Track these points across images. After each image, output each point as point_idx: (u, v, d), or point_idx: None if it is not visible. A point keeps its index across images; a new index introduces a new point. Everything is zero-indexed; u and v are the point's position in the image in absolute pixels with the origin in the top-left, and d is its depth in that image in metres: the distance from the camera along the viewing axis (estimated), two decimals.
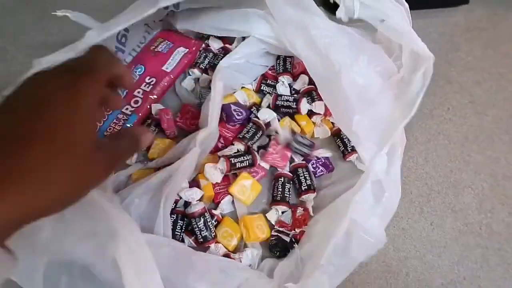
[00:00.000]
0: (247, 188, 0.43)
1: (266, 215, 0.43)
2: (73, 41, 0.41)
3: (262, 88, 0.51)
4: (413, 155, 0.48)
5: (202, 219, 0.40)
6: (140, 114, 0.48)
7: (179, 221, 0.41)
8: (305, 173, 0.44)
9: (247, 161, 0.43)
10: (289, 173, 0.45)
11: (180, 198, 0.42)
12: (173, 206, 0.42)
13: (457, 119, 0.50)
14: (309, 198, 0.43)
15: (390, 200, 0.40)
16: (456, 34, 0.57)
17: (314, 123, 0.48)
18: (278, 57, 0.52)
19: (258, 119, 0.46)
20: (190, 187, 0.42)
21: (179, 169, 0.39)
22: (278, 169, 0.45)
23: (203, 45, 0.53)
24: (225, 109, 0.46)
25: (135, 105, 0.48)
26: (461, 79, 0.53)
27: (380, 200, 0.39)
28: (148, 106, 0.48)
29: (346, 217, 0.35)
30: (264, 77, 0.52)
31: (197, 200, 0.41)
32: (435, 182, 0.46)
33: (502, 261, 0.42)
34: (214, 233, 0.41)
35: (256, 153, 0.45)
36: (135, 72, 0.50)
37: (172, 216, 0.41)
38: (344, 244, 0.36)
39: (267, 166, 0.45)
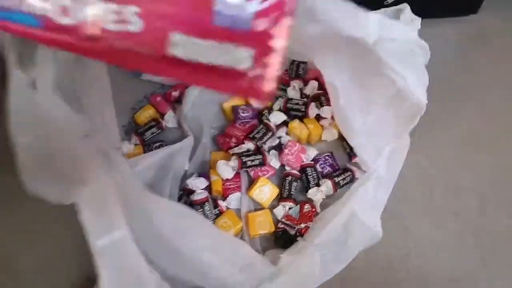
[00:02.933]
0: (266, 192, 0.46)
1: (274, 210, 0.46)
2: None
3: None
4: (417, 158, 0.49)
5: (202, 208, 0.43)
6: None
7: (183, 196, 0.46)
8: (313, 172, 0.47)
9: (257, 160, 0.46)
10: (297, 173, 0.47)
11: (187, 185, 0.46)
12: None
13: (460, 124, 0.52)
14: (316, 197, 0.46)
15: (383, 195, 0.43)
16: (464, 42, 0.59)
17: (322, 126, 0.50)
18: (292, 62, 0.55)
19: (269, 121, 0.49)
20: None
21: (181, 149, 0.44)
22: (287, 169, 0.48)
23: None
24: (234, 109, 0.49)
25: None
26: (469, 85, 0.55)
27: (379, 196, 0.42)
28: None
29: (347, 207, 0.37)
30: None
31: (201, 189, 0.44)
32: (437, 184, 0.48)
33: (501, 262, 0.44)
34: (212, 222, 0.44)
35: (266, 153, 0.47)
36: None
37: (180, 191, 0.45)
38: (342, 232, 0.38)
39: (276, 165, 0.48)
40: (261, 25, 0.18)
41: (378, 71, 0.37)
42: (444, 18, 0.60)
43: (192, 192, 0.45)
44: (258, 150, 0.47)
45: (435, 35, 0.58)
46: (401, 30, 0.37)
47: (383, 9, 0.42)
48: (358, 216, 0.39)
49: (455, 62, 0.57)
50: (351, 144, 0.43)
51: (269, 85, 0.20)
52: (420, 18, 0.42)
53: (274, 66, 0.19)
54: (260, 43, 0.19)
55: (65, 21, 0.19)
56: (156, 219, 0.36)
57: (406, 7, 0.41)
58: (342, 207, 0.38)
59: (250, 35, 0.19)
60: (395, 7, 0.42)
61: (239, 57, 0.19)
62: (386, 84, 0.38)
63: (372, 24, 0.34)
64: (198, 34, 0.19)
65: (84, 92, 0.37)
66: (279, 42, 0.19)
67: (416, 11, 0.58)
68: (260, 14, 0.18)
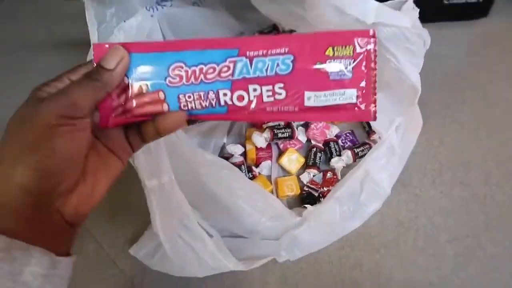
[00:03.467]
0: (293, 160, 0.54)
1: (300, 176, 0.53)
2: None
3: None
4: (429, 137, 0.56)
5: (239, 170, 0.51)
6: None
7: None
8: (335, 145, 0.54)
9: (287, 133, 0.54)
10: (321, 146, 0.55)
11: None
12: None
13: (469, 110, 0.58)
14: (337, 164, 0.53)
15: (396, 164, 0.49)
16: (475, 41, 0.65)
17: None
18: None
19: None
20: None
21: (220, 123, 0.53)
22: (312, 142, 0.55)
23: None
24: None
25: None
26: (476, 78, 0.61)
27: (391, 163, 0.48)
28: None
29: (362, 167, 0.44)
30: None
31: (238, 155, 0.52)
32: (447, 160, 0.54)
33: (503, 226, 0.49)
34: None
35: (295, 128, 0.55)
36: None
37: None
38: (357, 189, 0.45)
39: (303, 140, 0.56)
40: (357, 73, 0.30)
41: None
42: (458, 21, 0.67)
43: (230, 158, 0.53)
44: (288, 125, 0.55)
45: (451, 36, 0.66)
46: (398, 18, 0.42)
47: (389, 1, 0.49)
48: (370, 175, 0.45)
49: (467, 58, 0.64)
50: None
51: (373, 107, 0.31)
52: (418, 10, 0.47)
53: (372, 95, 0.31)
54: (359, 83, 0.30)
55: (240, 104, 0.31)
56: (201, 169, 0.44)
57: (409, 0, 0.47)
58: (358, 168, 0.45)
59: (352, 80, 0.30)
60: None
61: (349, 95, 0.30)
62: (383, 65, 0.44)
63: (371, 8, 0.40)
64: (321, 89, 0.30)
65: None
66: (370, 79, 0.31)
67: (434, 15, 0.65)
68: (355, 68, 0.30)
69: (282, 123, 0.55)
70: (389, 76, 0.47)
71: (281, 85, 0.31)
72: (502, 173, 0.52)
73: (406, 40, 0.44)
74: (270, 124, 0.55)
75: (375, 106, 0.31)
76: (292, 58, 0.30)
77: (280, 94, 0.31)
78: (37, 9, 0.72)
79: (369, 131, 0.56)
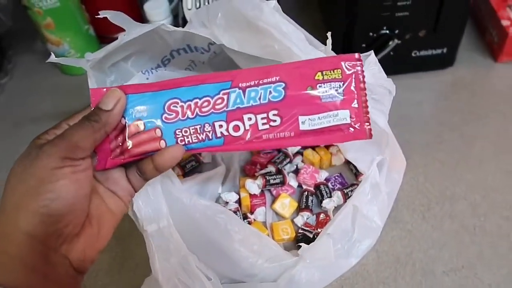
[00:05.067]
0: (286, 204, 0.56)
1: (294, 219, 0.54)
2: None
3: None
4: (414, 175, 0.58)
5: None
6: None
7: None
8: (325, 188, 0.56)
9: (278, 179, 0.56)
10: (312, 189, 0.57)
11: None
12: None
13: (448, 149, 0.61)
14: (329, 205, 0.54)
15: (387, 201, 0.51)
16: (445, 88, 0.71)
17: (331, 153, 0.60)
18: None
19: (287, 149, 0.60)
20: None
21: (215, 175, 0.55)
22: (304, 187, 0.57)
23: None
24: None
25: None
26: (451, 120, 0.65)
27: (378, 198, 0.50)
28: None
29: (349, 203, 0.46)
30: None
31: (233, 202, 0.54)
32: (434, 196, 0.56)
33: (495, 253, 0.50)
34: None
35: (286, 174, 0.57)
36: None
37: None
38: (349, 226, 0.46)
39: (295, 185, 0.58)
40: (347, 94, 0.32)
41: None
42: (428, 71, 0.73)
43: (225, 206, 0.55)
44: (279, 172, 0.57)
45: (423, 84, 0.71)
46: None
47: None
48: (359, 210, 0.47)
49: (440, 103, 0.69)
50: (348, 158, 0.52)
51: (368, 126, 0.32)
52: (378, 64, 0.49)
53: (365, 114, 0.32)
54: (350, 103, 0.32)
55: (236, 134, 0.32)
56: (197, 214, 0.46)
57: (371, 54, 0.49)
58: (346, 204, 0.47)
59: (344, 102, 0.32)
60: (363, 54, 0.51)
61: (343, 116, 0.32)
62: None
63: None
64: (315, 112, 0.32)
65: None
66: (361, 99, 0.32)
67: (405, 67, 0.72)
68: (345, 90, 0.32)
69: (273, 171, 0.58)
70: None
71: (275, 112, 0.32)
72: (488, 204, 0.54)
73: (370, 92, 0.47)
74: (261, 172, 0.57)
75: (369, 124, 0.33)
76: (283, 85, 0.32)
77: (275, 121, 0.32)
78: (42, 84, 0.77)
79: (357, 173, 0.58)
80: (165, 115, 0.32)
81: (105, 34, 0.82)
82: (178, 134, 0.32)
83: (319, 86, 0.32)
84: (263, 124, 0.32)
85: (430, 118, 0.66)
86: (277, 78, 0.32)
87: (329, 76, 0.32)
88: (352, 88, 0.32)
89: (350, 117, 0.32)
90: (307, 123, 0.32)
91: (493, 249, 0.50)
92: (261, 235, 0.48)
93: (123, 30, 0.82)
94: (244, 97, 0.32)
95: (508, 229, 0.52)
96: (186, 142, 0.33)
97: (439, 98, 0.70)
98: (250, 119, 0.32)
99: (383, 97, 0.51)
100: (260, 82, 0.32)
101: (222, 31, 0.46)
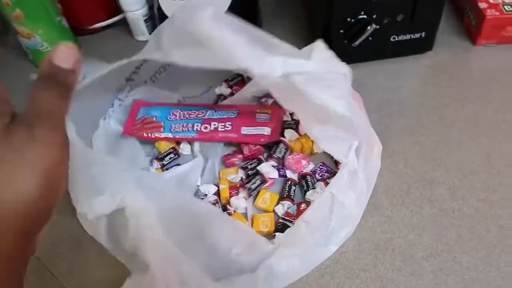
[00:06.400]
0: (267, 198, 0.55)
1: (275, 208, 0.54)
2: None
3: None
4: (394, 161, 0.58)
5: None
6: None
7: None
8: (312, 179, 0.56)
9: (259, 180, 0.55)
10: (296, 179, 0.56)
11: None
12: None
13: (428, 132, 0.61)
14: (312, 196, 0.54)
15: (365, 187, 0.51)
16: (424, 72, 0.71)
17: (312, 141, 0.60)
18: None
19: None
20: None
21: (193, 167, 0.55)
22: (288, 175, 0.57)
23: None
24: None
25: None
26: (430, 103, 0.65)
27: (356, 186, 0.50)
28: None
29: (326, 191, 0.46)
30: None
31: (211, 194, 0.53)
32: (413, 180, 0.56)
33: (474, 236, 0.50)
34: None
35: (264, 175, 0.57)
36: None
37: None
38: (327, 214, 0.46)
39: (275, 176, 0.57)
40: (272, 120, 0.60)
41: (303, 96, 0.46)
42: (408, 56, 0.72)
43: (204, 199, 0.54)
44: (257, 172, 0.57)
45: (402, 69, 0.71)
46: (305, 65, 0.45)
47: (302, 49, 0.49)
48: (336, 198, 0.47)
49: (419, 87, 0.69)
50: (324, 149, 0.52)
51: (277, 137, 0.59)
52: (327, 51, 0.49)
53: (278, 130, 0.60)
54: (272, 124, 0.59)
55: (205, 130, 0.59)
56: (176, 206, 0.45)
57: (316, 45, 0.48)
58: (323, 192, 0.47)
59: (269, 123, 0.59)
60: (307, 46, 0.49)
61: (267, 131, 0.58)
62: (313, 104, 0.46)
63: (275, 63, 0.44)
64: (252, 126, 0.59)
65: None
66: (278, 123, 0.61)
67: (384, 53, 0.71)
68: (270, 118, 0.60)
69: (253, 165, 0.57)
70: (325, 111, 0.50)
71: (230, 123, 0.59)
72: (466, 187, 0.55)
73: (321, 79, 0.46)
74: (241, 164, 0.57)
75: (281, 136, 0.60)
76: (238, 111, 0.60)
77: (228, 127, 0.59)
78: (14, 78, 0.75)
79: (336, 161, 0.58)
80: (170, 116, 0.61)
81: (79, 25, 0.80)
82: (172, 126, 0.60)
83: (258, 114, 0.60)
84: (221, 127, 0.59)
85: (409, 103, 0.66)
86: (236, 108, 0.61)
87: (264, 111, 0.61)
88: (275, 117, 0.60)
89: (271, 131, 0.59)
90: (246, 130, 0.59)
91: (471, 232, 0.51)
92: (238, 223, 0.48)
93: (97, 20, 0.81)
94: (215, 113, 0.60)
95: (485, 211, 0.52)
96: (175, 131, 0.60)
97: (418, 82, 0.70)
98: (215, 124, 0.59)
99: (336, 82, 0.49)
100: (226, 108, 0.61)
101: (172, 50, 0.47)
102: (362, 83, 0.68)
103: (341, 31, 0.67)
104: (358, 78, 0.69)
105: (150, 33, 0.80)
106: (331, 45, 0.69)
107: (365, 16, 0.65)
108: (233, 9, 0.69)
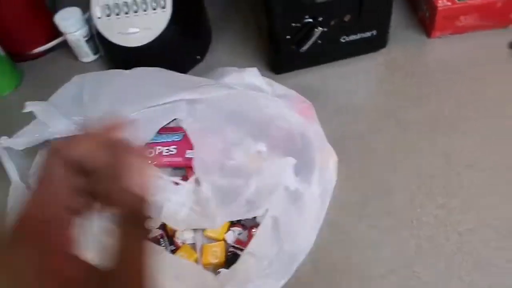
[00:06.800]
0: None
1: (225, 235, 0.51)
2: None
3: None
4: (350, 172, 0.55)
5: (159, 245, 0.48)
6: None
7: None
8: None
9: None
10: None
11: None
12: None
13: (384, 138, 0.58)
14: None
15: (318, 204, 0.49)
16: (379, 71, 0.68)
17: None
18: None
19: None
20: None
21: None
22: None
23: None
24: None
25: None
26: (386, 105, 0.62)
27: (304, 205, 0.47)
28: None
29: (266, 217, 0.43)
30: None
31: (156, 228, 0.50)
32: (371, 191, 0.53)
33: (434, 246, 0.48)
34: None
35: None
36: None
37: None
38: (271, 240, 0.43)
39: None
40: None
41: None
42: (361, 56, 0.69)
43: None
44: None
45: (356, 70, 0.68)
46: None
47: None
48: (281, 221, 0.44)
49: (375, 88, 0.66)
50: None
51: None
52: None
53: None
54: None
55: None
56: None
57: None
58: (264, 217, 0.44)
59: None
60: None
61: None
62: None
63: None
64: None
65: None
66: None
67: (335, 54, 0.68)
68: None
69: None
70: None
71: (175, 146, 0.57)
72: (424, 194, 0.52)
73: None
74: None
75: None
76: (183, 134, 0.57)
77: (172, 151, 0.57)
78: None
79: None
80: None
81: (19, 51, 0.76)
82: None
83: None
84: (166, 151, 0.57)
85: (365, 106, 0.63)
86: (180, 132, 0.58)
87: None
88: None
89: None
90: (190, 154, 0.55)
91: (431, 242, 0.48)
92: (186, 263, 0.45)
93: (37, 44, 0.76)
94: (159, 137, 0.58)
95: (444, 218, 0.50)
96: None
97: (373, 83, 0.67)
98: (159, 148, 0.57)
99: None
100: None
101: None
102: (315, 89, 0.65)
103: (288, 36, 0.64)
104: (310, 84, 0.67)
105: (94, 54, 0.76)
106: (280, 51, 0.67)
107: (310, 20, 0.62)
108: (180, 19, 0.66)
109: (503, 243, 0.47)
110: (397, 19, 0.70)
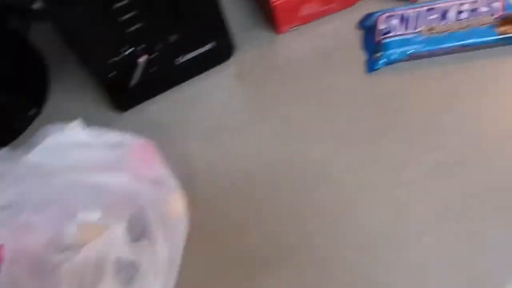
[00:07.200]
0: None
1: None
2: None
3: None
4: (204, 229, 0.48)
5: None
6: None
7: None
8: None
9: None
10: None
11: None
12: None
13: (237, 174, 0.53)
14: None
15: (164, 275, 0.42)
16: (229, 84, 0.61)
17: None
18: None
19: None
20: None
21: None
22: None
23: None
24: None
25: None
26: (237, 123, 0.57)
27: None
28: None
29: None
30: None
31: None
32: (228, 253, 0.47)
33: None
34: None
35: None
36: None
37: None
38: None
39: None
40: None
41: None
42: (210, 70, 0.62)
43: None
44: None
45: (204, 89, 0.61)
46: None
47: None
48: None
49: (225, 106, 0.59)
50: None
51: None
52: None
53: None
54: None
55: None
56: None
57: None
58: None
59: None
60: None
61: None
62: None
63: None
64: None
65: None
66: None
67: (178, 78, 0.61)
68: None
69: None
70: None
71: None
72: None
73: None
74: None
75: None
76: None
77: None
78: None
79: None
80: None
81: None
82: None
83: None
84: None
85: (214, 132, 0.56)
86: None
87: None
88: None
89: None
90: None
91: None
92: None
93: None
94: None
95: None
96: None
97: (224, 100, 0.60)
98: None
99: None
100: None
101: None
102: (157, 123, 0.58)
103: (112, 74, 0.56)
104: (159, 116, 0.60)
105: None
106: (114, 90, 0.59)
107: (131, 49, 0.55)
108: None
109: None
110: (245, 20, 0.65)
